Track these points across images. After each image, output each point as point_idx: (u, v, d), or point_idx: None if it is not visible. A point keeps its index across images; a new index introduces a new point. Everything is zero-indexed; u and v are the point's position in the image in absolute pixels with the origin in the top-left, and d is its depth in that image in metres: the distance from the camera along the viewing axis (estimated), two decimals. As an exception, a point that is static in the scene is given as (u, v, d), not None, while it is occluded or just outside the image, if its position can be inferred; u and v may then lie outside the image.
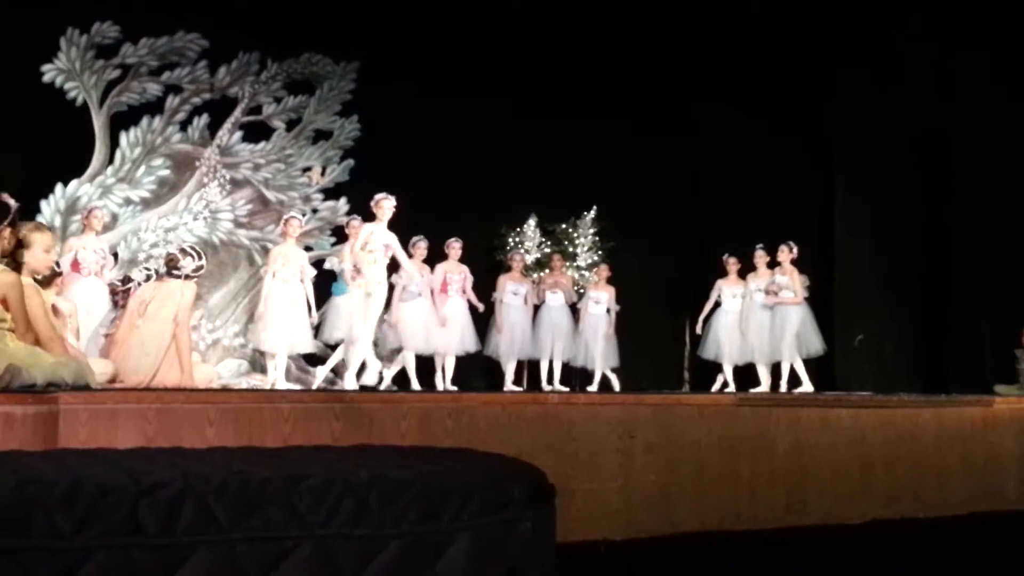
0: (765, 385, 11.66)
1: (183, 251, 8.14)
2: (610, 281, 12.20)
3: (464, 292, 11.17)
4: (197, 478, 2.56)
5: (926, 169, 12.40)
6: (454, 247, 11.17)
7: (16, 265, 5.51)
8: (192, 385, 7.51)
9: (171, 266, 7.96)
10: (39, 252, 5.72)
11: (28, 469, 2.62)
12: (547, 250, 12.86)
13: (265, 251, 11.79)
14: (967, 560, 6.35)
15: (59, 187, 11.45)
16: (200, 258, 8.09)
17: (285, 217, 10.46)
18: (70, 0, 11.63)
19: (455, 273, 11.15)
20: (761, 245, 11.84)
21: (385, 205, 9.45)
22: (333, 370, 10.89)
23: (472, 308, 11.23)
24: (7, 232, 5.41)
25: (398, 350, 10.89)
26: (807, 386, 11.32)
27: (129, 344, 7.51)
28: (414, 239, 10.77)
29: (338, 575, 2.65)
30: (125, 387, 6.82)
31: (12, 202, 5.54)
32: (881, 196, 12.51)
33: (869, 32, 12.46)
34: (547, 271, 12.30)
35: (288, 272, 9.89)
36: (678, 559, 6.04)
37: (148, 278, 8.56)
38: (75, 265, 9.65)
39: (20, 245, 5.68)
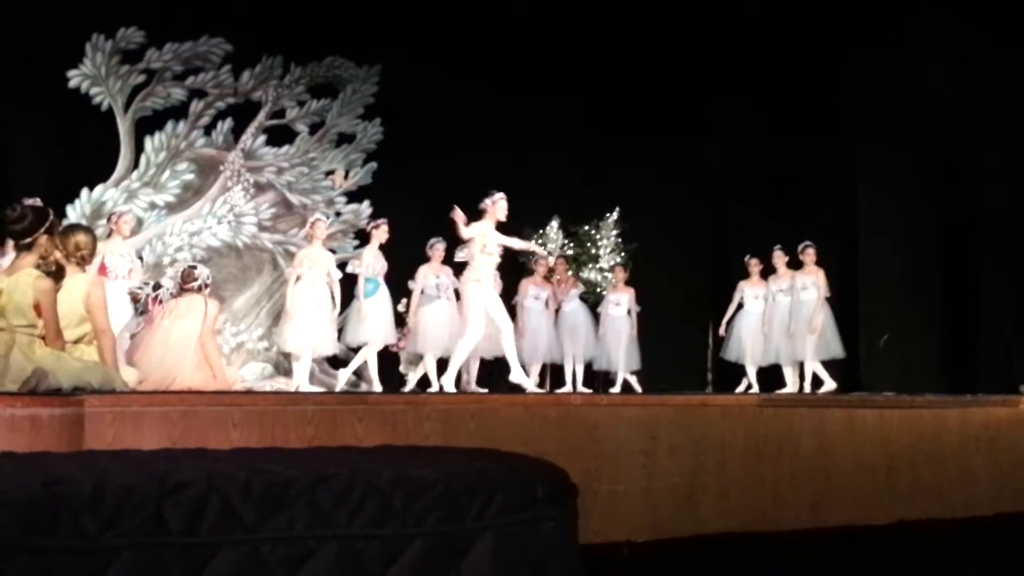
0: (790, 386, 11.62)
1: (192, 266, 8.28)
2: (628, 283, 12.19)
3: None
4: (221, 478, 2.58)
5: (949, 167, 12.33)
6: None
7: (57, 271, 5.56)
8: (226, 387, 7.56)
9: (187, 280, 8.05)
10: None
11: (54, 470, 2.64)
12: (569, 252, 12.84)
13: (289, 255, 11.84)
14: (994, 561, 6.32)
15: (84, 192, 11.51)
16: (205, 267, 8.29)
17: (312, 220, 10.49)
18: (95, 6, 11.69)
19: (484, 276, 11.12)
20: (779, 246, 11.81)
21: (501, 205, 9.59)
22: (356, 373, 10.92)
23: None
24: (43, 239, 5.45)
25: (421, 354, 10.89)
26: (829, 384, 11.29)
27: (152, 344, 7.57)
28: (432, 241, 10.77)
29: (362, 575, 2.66)
30: (149, 390, 6.86)
31: (39, 203, 5.61)
32: (904, 195, 12.44)
33: (890, 31, 12.41)
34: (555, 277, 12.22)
35: (314, 275, 9.93)
36: (702, 561, 6.03)
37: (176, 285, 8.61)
38: (102, 269, 9.68)
39: (69, 252, 5.76)
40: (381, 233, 10.48)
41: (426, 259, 10.76)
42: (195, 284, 8.03)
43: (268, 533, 2.56)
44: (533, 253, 10.80)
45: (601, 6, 12.77)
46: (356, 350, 10.67)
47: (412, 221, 11.36)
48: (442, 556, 2.76)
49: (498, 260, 9.62)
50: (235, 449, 3.80)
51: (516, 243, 9.93)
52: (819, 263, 11.52)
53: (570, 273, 12.35)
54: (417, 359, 11.07)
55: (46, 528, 2.29)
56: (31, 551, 2.28)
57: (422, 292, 10.69)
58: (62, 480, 2.42)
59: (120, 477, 2.50)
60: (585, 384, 11.84)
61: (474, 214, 9.52)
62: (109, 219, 10.37)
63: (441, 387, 9.52)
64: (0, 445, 3.90)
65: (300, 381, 9.95)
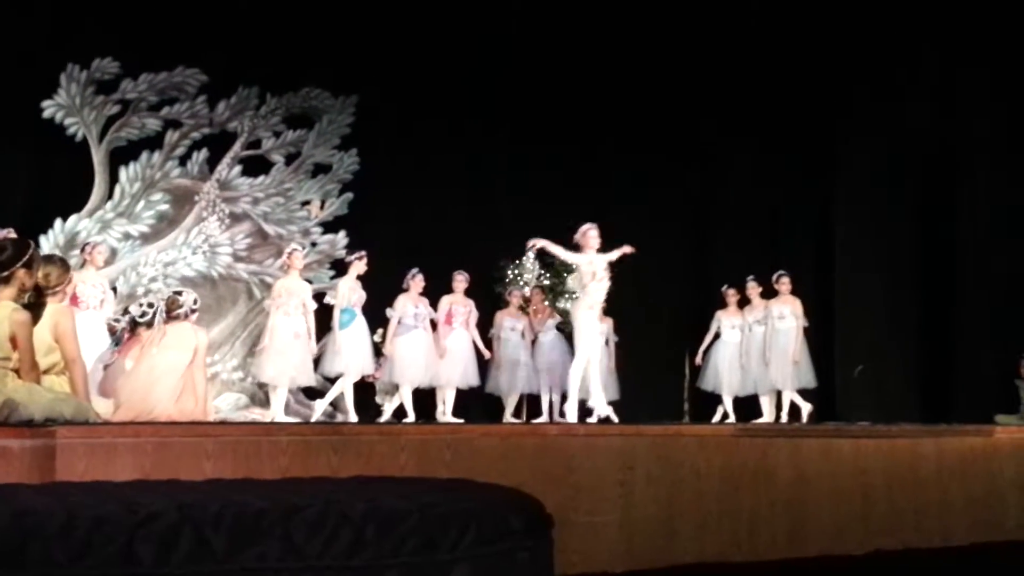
0: (767, 416, 11.62)
1: (177, 293, 8.13)
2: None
3: (468, 325, 11.13)
4: (193, 509, 2.56)
5: (927, 199, 12.42)
6: (459, 280, 11.13)
7: (36, 303, 5.51)
8: (204, 418, 7.46)
9: (173, 308, 7.91)
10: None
11: (24, 501, 2.61)
12: (546, 282, 12.84)
13: (264, 285, 11.81)
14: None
15: (58, 222, 11.45)
16: (192, 293, 8.09)
17: (288, 250, 10.46)
18: (70, 36, 11.67)
19: (460, 306, 11.11)
20: (752, 276, 11.85)
21: (592, 235, 9.73)
22: (332, 403, 10.87)
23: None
24: (21, 272, 5.41)
25: (397, 384, 10.86)
26: (806, 407, 11.31)
27: (136, 372, 7.48)
28: (413, 271, 10.77)
29: (335, 606, 2.64)
30: (124, 420, 6.80)
31: (12, 233, 5.57)
32: (882, 226, 12.51)
33: (872, 57, 12.50)
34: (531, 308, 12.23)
35: (291, 305, 9.91)
36: (679, 591, 6.01)
37: (143, 314, 8.50)
38: (74, 299, 9.62)
39: (38, 285, 5.69)
40: (361, 265, 10.50)
41: (403, 289, 10.75)
42: (181, 311, 7.85)
43: (240, 564, 2.54)
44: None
45: (582, 33, 12.82)
46: (332, 380, 10.63)
47: (389, 252, 11.36)
48: (416, 587, 2.74)
49: (608, 285, 9.82)
50: (208, 480, 3.77)
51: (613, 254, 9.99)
52: (795, 292, 11.55)
53: (547, 303, 12.34)
54: (393, 389, 11.05)
55: (15, 560, 2.27)
56: (-1, 583, 2.25)
57: (399, 322, 10.67)
58: (32, 511, 2.40)
59: (90, 508, 2.48)
60: (561, 415, 11.81)
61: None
62: (83, 249, 10.30)
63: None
64: (-30, 477, 3.86)
65: (276, 412, 9.90)
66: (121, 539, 2.39)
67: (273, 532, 2.61)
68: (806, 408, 11.38)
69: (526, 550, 2.97)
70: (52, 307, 5.84)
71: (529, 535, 3.02)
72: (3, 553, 2.25)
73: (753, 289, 11.78)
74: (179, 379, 7.41)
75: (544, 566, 3.14)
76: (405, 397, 10.68)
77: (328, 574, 2.66)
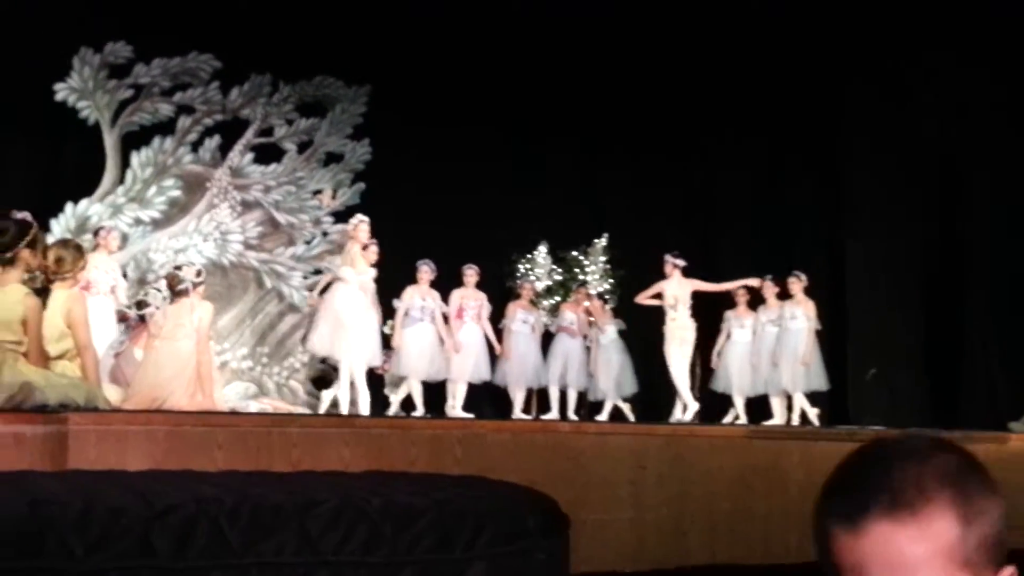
0: (778, 418, 11.54)
1: (177, 267, 7.98)
2: (616, 313, 12.18)
3: (480, 319, 11.06)
4: (210, 502, 2.53)
5: (937, 200, 12.37)
6: (469, 273, 11.05)
7: (43, 288, 5.49)
8: (213, 409, 7.33)
9: (174, 285, 7.74)
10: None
11: (41, 490, 2.59)
12: (557, 277, 12.80)
13: (275, 273, 11.81)
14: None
15: (69, 206, 11.43)
16: (193, 265, 7.91)
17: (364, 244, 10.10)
18: (83, 20, 11.64)
19: (471, 300, 11.02)
20: (770, 276, 11.76)
21: None
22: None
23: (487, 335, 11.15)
24: (25, 253, 5.36)
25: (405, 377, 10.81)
26: (812, 412, 11.25)
27: (145, 364, 7.42)
28: (420, 263, 10.67)
29: (351, 603, 2.61)
30: (136, 408, 6.76)
31: (28, 216, 5.51)
32: (892, 229, 12.46)
33: (880, 58, 12.45)
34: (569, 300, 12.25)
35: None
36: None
37: (164, 298, 8.45)
38: (85, 285, 9.58)
39: (48, 269, 5.66)
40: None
41: (413, 281, 10.67)
42: (184, 287, 7.63)
43: (257, 558, 2.52)
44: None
45: (593, 30, 12.77)
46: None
47: (399, 242, 11.31)
48: (433, 585, 2.71)
49: None
50: (223, 472, 3.75)
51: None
52: (808, 293, 11.47)
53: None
54: (400, 381, 10.99)
55: (33, 549, 2.24)
56: (17, 572, 2.22)
57: (406, 314, 10.60)
58: (49, 500, 2.38)
59: (108, 499, 2.45)
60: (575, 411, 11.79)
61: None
62: (96, 234, 10.24)
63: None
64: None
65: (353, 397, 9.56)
66: (138, 531, 2.36)
67: (290, 526, 2.59)
68: (813, 412, 11.30)
69: (543, 552, 2.94)
70: (65, 293, 5.81)
71: (545, 535, 2.99)
72: (20, 542, 2.23)
73: (769, 289, 11.66)
74: (188, 367, 7.29)
75: (561, 567, 3.11)
76: (413, 390, 10.62)
77: (344, 570, 2.63)
